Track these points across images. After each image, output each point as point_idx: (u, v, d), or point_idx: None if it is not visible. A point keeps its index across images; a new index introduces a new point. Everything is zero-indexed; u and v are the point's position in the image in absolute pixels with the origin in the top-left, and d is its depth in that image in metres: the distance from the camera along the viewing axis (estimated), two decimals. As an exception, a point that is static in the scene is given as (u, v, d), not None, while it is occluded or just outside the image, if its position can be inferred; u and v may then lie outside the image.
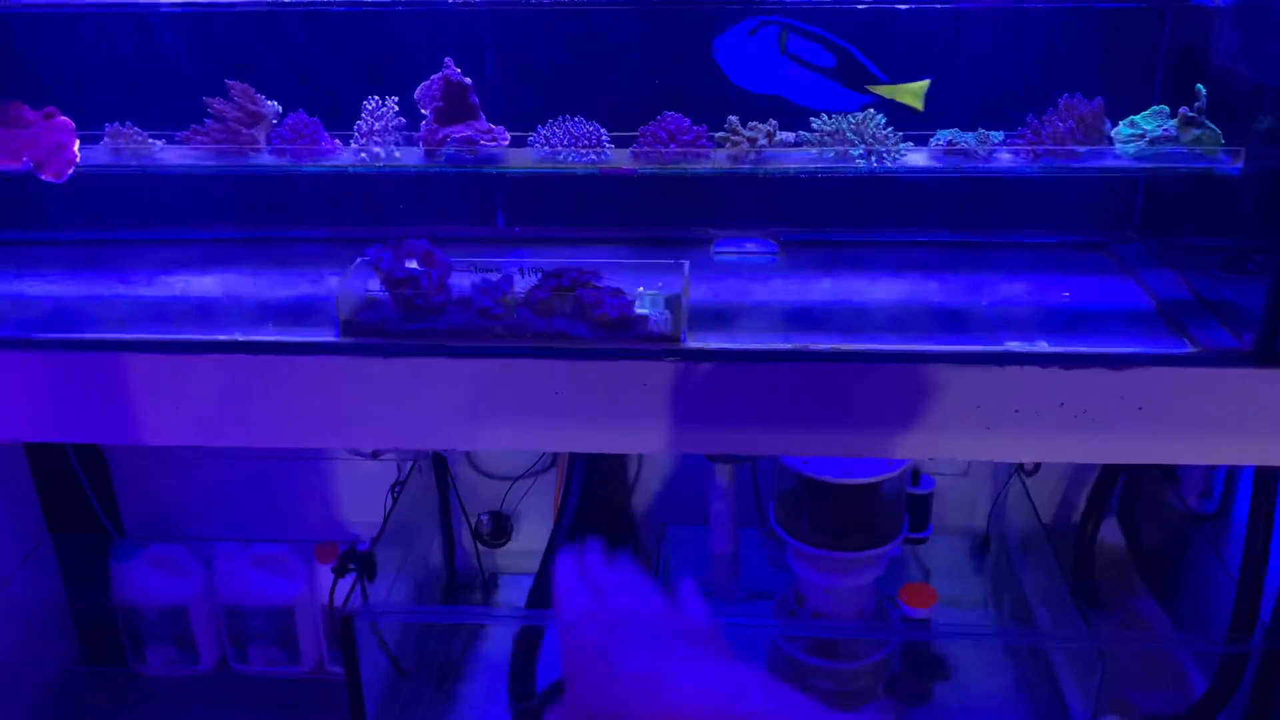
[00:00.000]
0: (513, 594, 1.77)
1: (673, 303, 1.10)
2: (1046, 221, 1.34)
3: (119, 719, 1.67)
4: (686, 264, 1.14)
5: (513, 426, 1.07)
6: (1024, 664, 1.46)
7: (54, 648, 1.73)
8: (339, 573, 1.32)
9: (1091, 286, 1.21)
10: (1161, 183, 1.27)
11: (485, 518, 1.71)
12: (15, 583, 1.65)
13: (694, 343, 1.07)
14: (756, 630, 1.45)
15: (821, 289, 1.22)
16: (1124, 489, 1.62)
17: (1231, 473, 1.39)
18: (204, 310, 1.17)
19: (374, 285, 1.10)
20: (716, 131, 1.13)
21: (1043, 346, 1.05)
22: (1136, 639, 1.37)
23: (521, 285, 1.11)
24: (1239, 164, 1.04)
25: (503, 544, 1.74)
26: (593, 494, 1.56)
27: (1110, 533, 1.62)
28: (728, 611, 1.62)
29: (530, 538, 1.74)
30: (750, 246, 1.35)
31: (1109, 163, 1.07)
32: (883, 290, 1.21)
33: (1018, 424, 1.05)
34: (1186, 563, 1.47)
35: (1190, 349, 1.04)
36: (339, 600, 1.32)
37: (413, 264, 1.08)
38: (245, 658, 1.73)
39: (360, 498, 1.76)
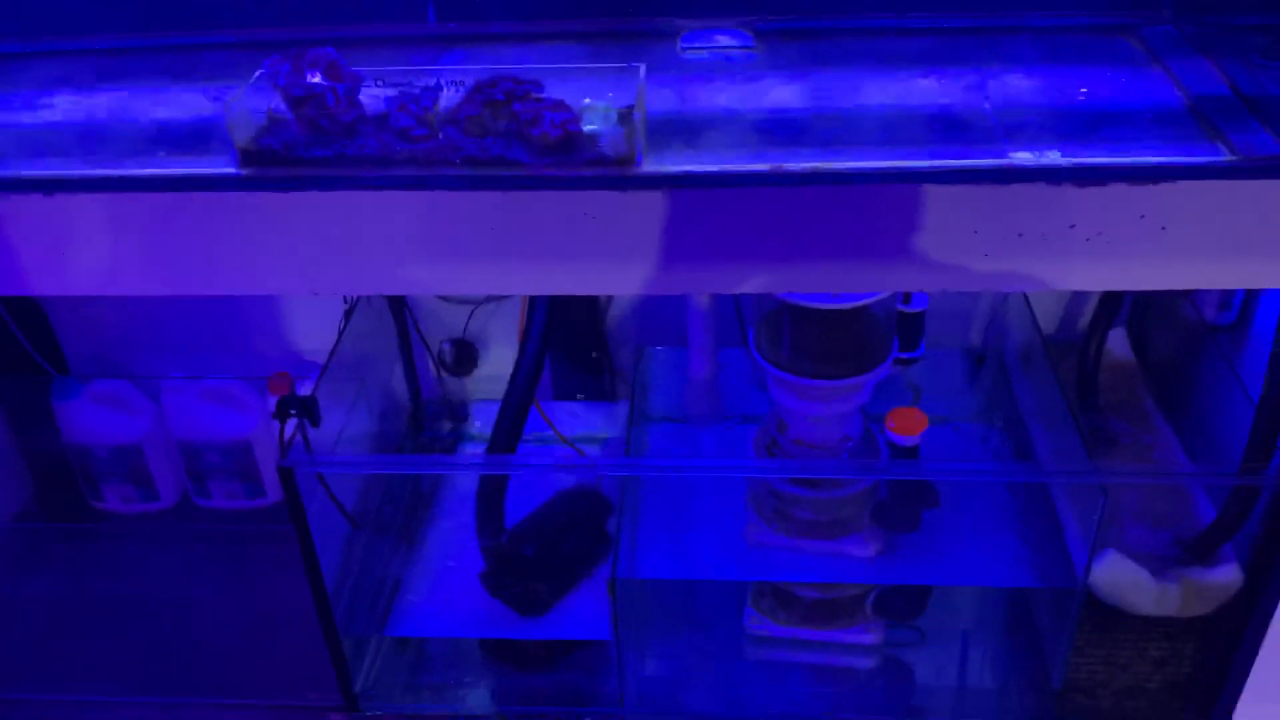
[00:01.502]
0: (484, 420, 1.69)
1: (626, 116, 0.94)
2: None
3: (82, 558, 1.62)
4: (642, 67, 0.97)
5: (442, 268, 0.93)
6: (1019, 492, 1.38)
7: (6, 492, 1.67)
8: (280, 418, 1.21)
9: (1112, 80, 1.04)
10: (1200, -50, 1.09)
11: (448, 346, 1.61)
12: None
13: (651, 165, 0.92)
14: (735, 471, 1.37)
15: (802, 91, 1.06)
16: (1135, 298, 1.50)
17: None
18: (89, 138, 1.02)
19: (275, 104, 0.94)
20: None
21: (1054, 158, 0.90)
22: (1141, 472, 1.28)
23: (448, 100, 0.95)
24: (1300, -73, 0.87)
25: (469, 372, 1.64)
26: (560, 317, 1.44)
27: (1118, 344, 1.51)
28: (706, 437, 1.54)
29: (498, 363, 1.63)
30: (721, 39, 1.17)
31: (1143, -70, 0.89)
32: (872, 91, 1.05)
33: (1021, 249, 0.91)
34: (1200, 378, 1.37)
35: (1226, 156, 0.89)
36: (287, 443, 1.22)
37: (316, 77, 0.92)
38: (207, 493, 1.67)
39: (313, 325, 1.65)
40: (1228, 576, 1.20)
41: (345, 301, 1.43)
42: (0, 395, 1.64)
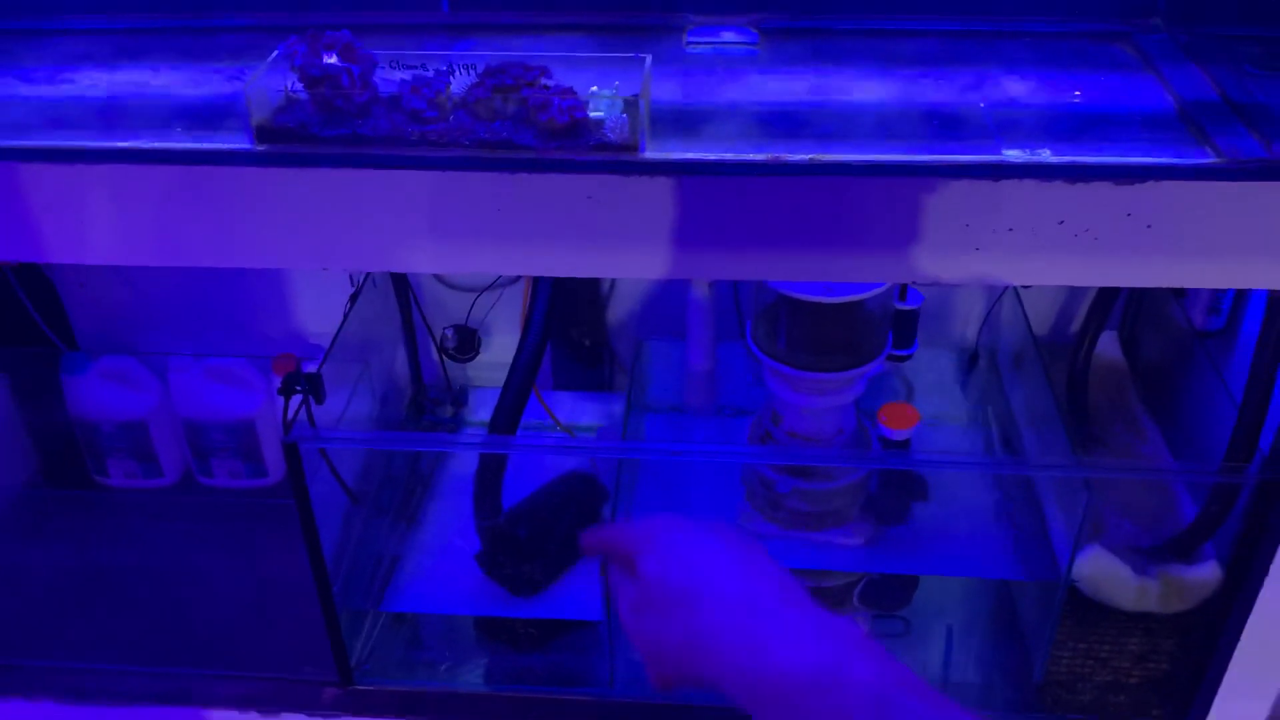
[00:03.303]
0: (484, 406, 1.72)
1: (631, 105, 0.97)
2: (1060, 6, 1.18)
3: (85, 531, 1.65)
4: (648, 58, 1.00)
5: (449, 247, 0.96)
6: (1006, 486, 1.41)
7: (12, 464, 1.69)
8: (285, 394, 1.24)
9: (1107, 84, 1.07)
10: (1195, -40, 1.11)
11: (450, 332, 1.63)
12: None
13: (654, 153, 0.95)
14: (729, 456, 1.40)
15: (803, 86, 1.08)
16: (1126, 302, 1.53)
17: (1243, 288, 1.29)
18: (108, 112, 1.04)
19: (292, 84, 0.97)
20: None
21: (1045, 156, 0.93)
22: (1124, 468, 1.31)
23: (459, 85, 0.98)
24: (1289, -62, 0.90)
25: (471, 358, 1.67)
26: (562, 307, 1.47)
27: (1109, 347, 1.53)
28: (702, 428, 1.57)
29: (500, 350, 1.66)
30: (726, 35, 1.20)
31: (1137, -62, 0.92)
32: (871, 88, 1.07)
33: (1010, 244, 0.94)
34: (1187, 382, 1.39)
35: (1213, 159, 0.92)
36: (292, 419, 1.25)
37: (332, 59, 0.95)
38: (209, 471, 1.69)
39: (318, 308, 1.68)
40: (1207, 574, 1.23)
41: (351, 284, 1.46)
42: (9, 368, 1.66)
